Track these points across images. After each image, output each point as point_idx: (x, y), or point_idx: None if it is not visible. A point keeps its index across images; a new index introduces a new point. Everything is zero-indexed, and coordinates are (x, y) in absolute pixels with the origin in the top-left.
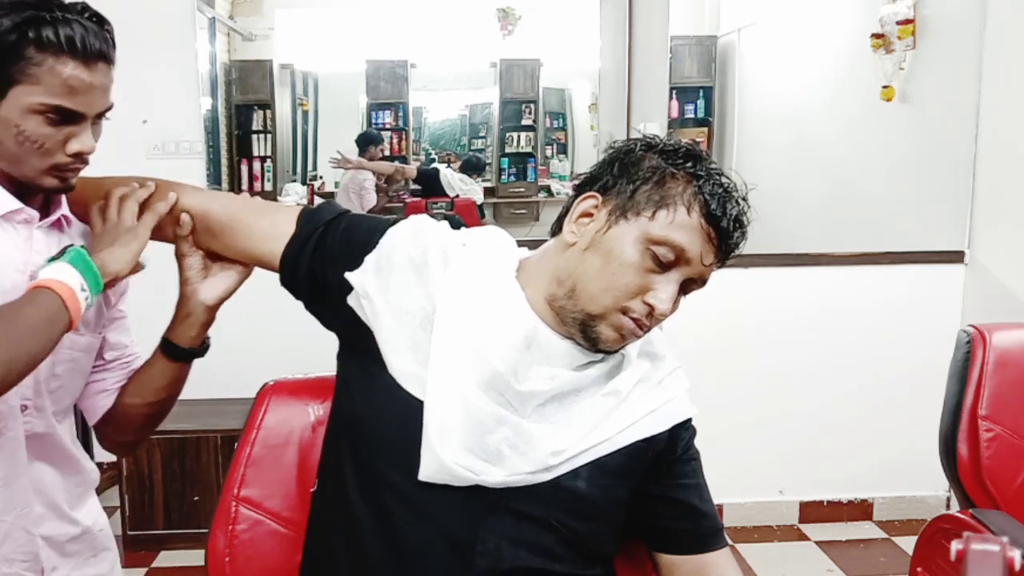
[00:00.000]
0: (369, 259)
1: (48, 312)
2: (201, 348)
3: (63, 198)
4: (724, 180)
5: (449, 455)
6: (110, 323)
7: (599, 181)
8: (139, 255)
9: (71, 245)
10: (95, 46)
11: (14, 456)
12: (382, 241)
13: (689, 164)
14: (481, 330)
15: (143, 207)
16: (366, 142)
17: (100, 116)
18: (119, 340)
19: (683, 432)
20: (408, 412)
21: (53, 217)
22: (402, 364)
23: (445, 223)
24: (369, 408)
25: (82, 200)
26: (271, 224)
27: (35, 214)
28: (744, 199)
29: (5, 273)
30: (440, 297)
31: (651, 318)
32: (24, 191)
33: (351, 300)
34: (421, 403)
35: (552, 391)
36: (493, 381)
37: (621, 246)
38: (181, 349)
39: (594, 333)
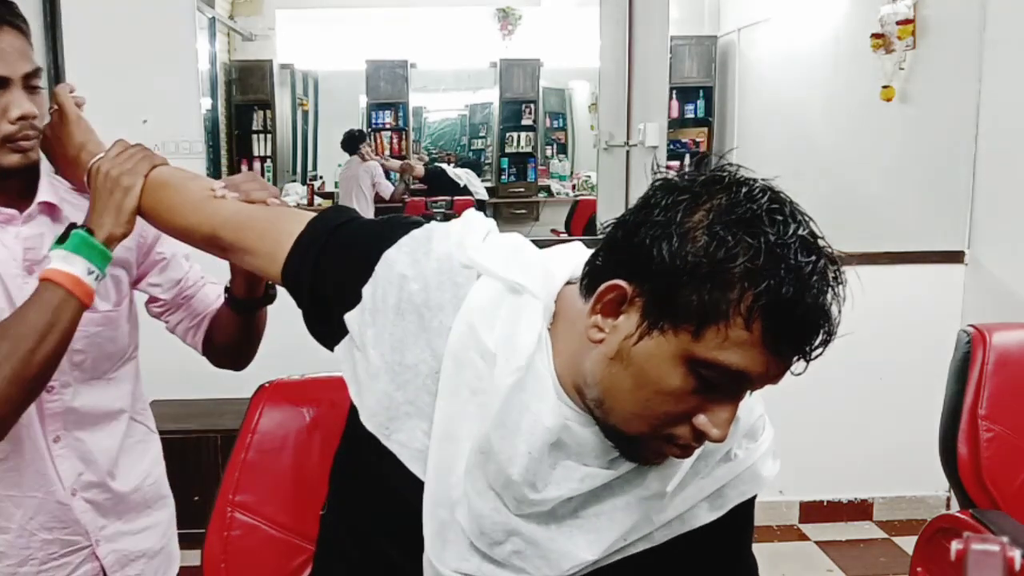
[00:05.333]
0: (366, 292)
1: (52, 306)
2: (263, 298)
3: (42, 186)
4: (802, 261)
5: (450, 565)
6: (150, 271)
7: (627, 260)
8: (135, 209)
9: (73, 225)
10: None
11: (32, 437)
12: (377, 268)
13: (750, 245)
14: (494, 417)
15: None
16: (356, 141)
17: (31, 81)
18: (169, 278)
19: (747, 506)
20: (411, 496)
21: (32, 208)
22: (401, 436)
23: (463, 226)
24: (363, 493)
25: (75, 161)
26: (274, 246)
27: (13, 212)
28: (835, 273)
29: (6, 277)
30: (446, 355)
31: (702, 440)
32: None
33: (339, 351)
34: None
35: (580, 491)
36: (505, 488)
37: (657, 367)
38: (239, 300)
39: (630, 451)
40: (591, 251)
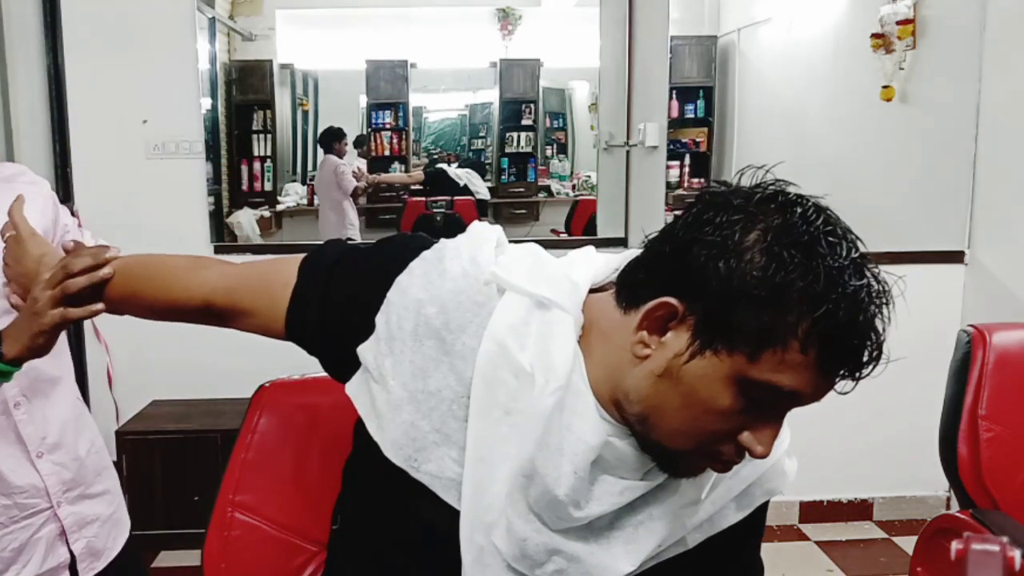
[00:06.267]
0: (379, 321)
1: None
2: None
3: None
4: (856, 284)
5: None
6: (59, 238)
7: (677, 277)
8: (38, 336)
9: None
10: None
11: (1, 397)
12: (390, 295)
13: (808, 269)
14: (537, 439)
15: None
16: (331, 138)
17: None
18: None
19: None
20: (443, 524)
21: None
22: (431, 467)
23: (472, 240)
24: (387, 517)
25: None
26: (271, 301)
27: None
28: (882, 294)
29: None
30: (476, 376)
31: (744, 455)
32: None
33: (351, 387)
34: (458, 513)
35: (620, 504)
36: (548, 508)
37: (707, 387)
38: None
39: (670, 466)
40: (606, 256)
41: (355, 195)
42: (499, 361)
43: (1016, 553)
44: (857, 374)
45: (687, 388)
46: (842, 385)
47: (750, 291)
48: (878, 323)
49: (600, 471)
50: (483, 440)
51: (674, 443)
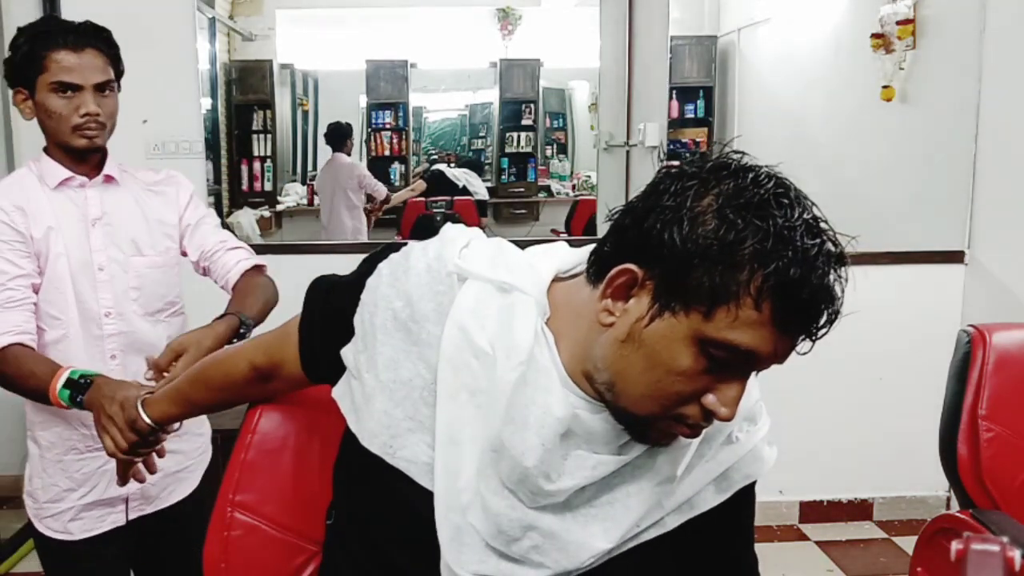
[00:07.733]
0: (356, 322)
1: (43, 378)
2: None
3: (108, 164)
4: (808, 243)
5: (469, 569)
6: (184, 235)
7: (637, 244)
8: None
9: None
10: (82, 39)
11: (91, 353)
12: (363, 297)
13: (759, 228)
14: (502, 414)
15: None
16: (342, 136)
17: (102, 89)
18: (198, 243)
19: (748, 489)
20: (423, 507)
21: (100, 177)
22: (406, 453)
23: (440, 242)
24: (373, 506)
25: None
26: (294, 347)
27: (85, 179)
28: (838, 256)
29: (71, 227)
30: (441, 361)
31: (711, 419)
32: (76, 162)
33: (336, 391)
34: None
35: (593, 479)
36: (521, 482)
37: (668, 348)
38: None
39: (640, 433)
40: (574, 249)
41: (389, 200)
42: (462, 345)
43: (1016, 553)
44: (814, 333)
45: (649, 351)
46: (802, 346)
47: (704, 252)
48: (833, 282)
49: (572, 445)
50: (452, 423)
51: (641, 408)
